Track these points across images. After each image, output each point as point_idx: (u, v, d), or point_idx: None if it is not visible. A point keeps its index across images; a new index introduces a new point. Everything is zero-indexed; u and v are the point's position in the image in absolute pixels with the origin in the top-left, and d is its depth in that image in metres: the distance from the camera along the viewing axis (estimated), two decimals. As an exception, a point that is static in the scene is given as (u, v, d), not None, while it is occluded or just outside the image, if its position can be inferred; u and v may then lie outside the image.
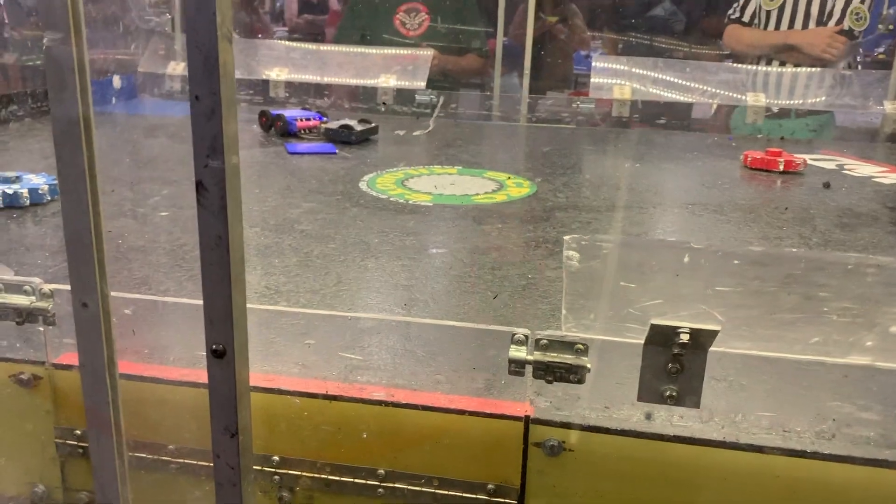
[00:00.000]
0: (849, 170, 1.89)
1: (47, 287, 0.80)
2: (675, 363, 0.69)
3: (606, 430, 0.74)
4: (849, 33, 2.43)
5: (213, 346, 0.57)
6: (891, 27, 2.66)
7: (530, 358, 0.73)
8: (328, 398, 0.77)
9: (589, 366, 0.72)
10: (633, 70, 2.44)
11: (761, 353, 0.72)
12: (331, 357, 0.82)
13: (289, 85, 2.53)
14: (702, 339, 0.67)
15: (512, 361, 0.73)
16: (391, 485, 0.78)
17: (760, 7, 2.53)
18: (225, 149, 0.51)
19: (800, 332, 0.82)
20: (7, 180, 1.38)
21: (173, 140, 2.01)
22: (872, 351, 0.78)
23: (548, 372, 0.73)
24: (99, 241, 0.62)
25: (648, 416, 0.75)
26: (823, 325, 0.83)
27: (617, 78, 2.42)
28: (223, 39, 0.48)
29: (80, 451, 0.84)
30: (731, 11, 2.63)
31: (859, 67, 2.64)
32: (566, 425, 0.74)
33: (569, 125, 2.44)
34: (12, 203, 1.34)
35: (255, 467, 0.75)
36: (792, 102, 2.45)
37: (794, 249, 1.20)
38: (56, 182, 0.61)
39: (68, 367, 0.82)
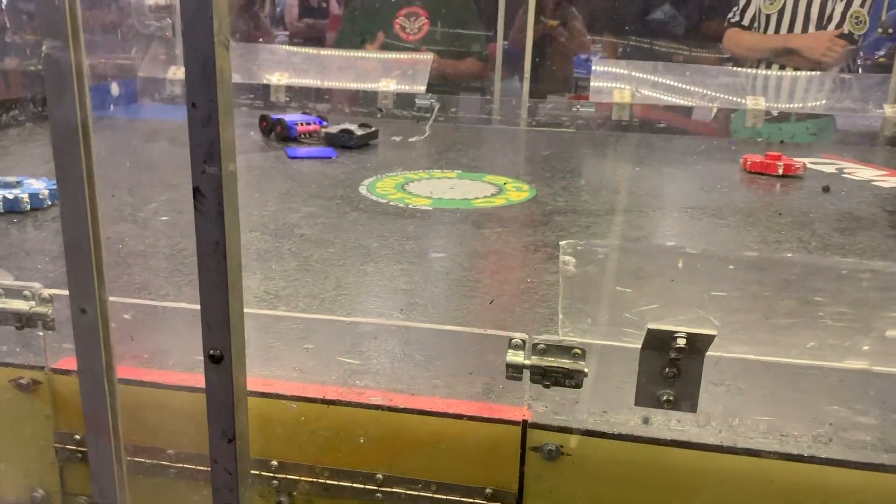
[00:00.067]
0: (848, 173, 1.89)
1: (47, 292, 0.81)
2: (671, 368, 0.69)
3: (604, 435, 0.74)
4: (848, 37, 2.43)
5: (211, 351, 0.57)
6: (890, 31, 2.66)
7: (528, 362, 0.73)
8: (326, 403, 0.78)
9: (586, 370, 0.72)
10: (633, 73, 2.44)
11: (758, 358, 0.72)
12: (329, 362, 0.83)
13: (289, 89, 2.53)
14: (698, 344, 0.67)
15: (509, 366, 0.73)
16: (389, 489, 0.78)
17: (760, 11, 2.53)
18: (222, 155, 0.52)
19: (796, 337, 0.82)
20: (8, 185, 1.39)
21: (173, 144, 2.02)
22: (869, 355, 0.78)
23: (545, 376, 0.73)
24: (97, 247, 0.62)
25: (646, 421, 0.75)
26: (819, 330, 0.83)
27: (617, 82, 2.42)
28: (220, 46, 0.49)
29: (80, 455, 0.84)
30: (730, 15, 2.63)
31: (860, 71, 2.64)
32: (564, 430, 0.75)
33: (569, 129, 2.45)
34: (13, 208, 1.34)
35: (253, 472, 0.75)
36: (792, 106, 2.45)
37: (790, 255, 1.20)
38: (56, 187, 0.61)
39: (67, 372, 0.82)
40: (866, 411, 0.71)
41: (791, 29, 2.49)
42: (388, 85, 2.45)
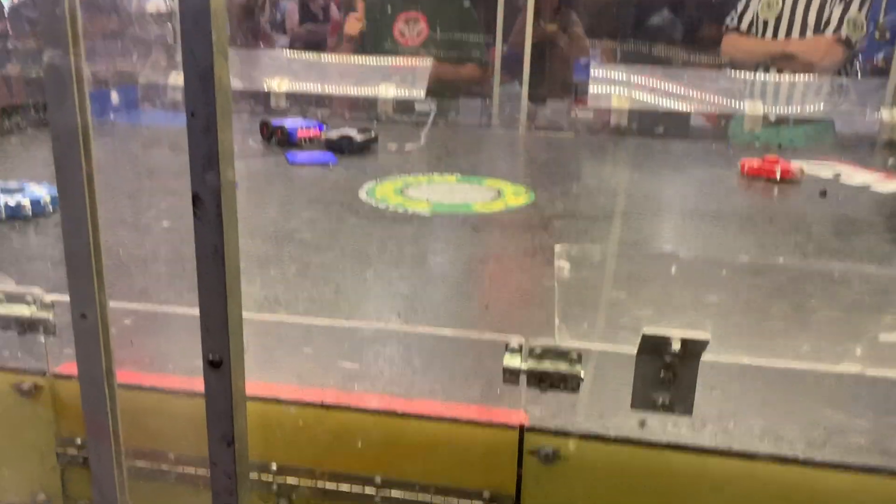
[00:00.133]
0: (846, 177, 1.90)
1: (48, 297, 0.81)
2: (667, 372, 0.70)
3: (601, 438, 0.75)
4: (846, 41, 2.44)
5: (210, 356, 0.57)
6: (887, 35, 2.67)
7: (525, 367, 0.74)
8: (325, 407, 0.78)
9: (582, 374, 0.73)
10: (632, 78, 2.45)
11: (753, 362, 0.72)
12: (328, 366, 0.83)
13: (290, 95, 2.54)
14: (693, 349, 0.68)
15: (506, 370, 0.74)
16: (388, 493, 0.79)
17: (758, 16, 2.54)
18: (221, 162, 0.52)
19: (790, 341, 0.83)
20: (9, 191, 1.39)
21: (174, 150, 2.03)
22: (862, 359, 0.79)
23: (542, 381, 0.74)
24: (97, 253, 0.63)
25: (642, 424, 0.76)
26: (813, 334, 0.83)
27: (615, 87, 2.43)
28: (219, 56, 0.49)
29: (81, 460, 0.85)
30: (728, 20, 2.64)
31: (858, 75, 2.65)
32: (561, 433, 0.75)
33: (568, 134, 2.45)
34: (14, 214, 1.35)
35: (252, 476, 0.76)
36: (790, 110, 2.46)
37: (781, 259, 1.21)
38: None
39: (69, 377, 0.83)
40: (860, 415, 0.72)
41: (789, 34, 2.50)
42: (388, 90, 2.45)
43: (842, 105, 2.41)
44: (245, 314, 0.60)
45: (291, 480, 0.80)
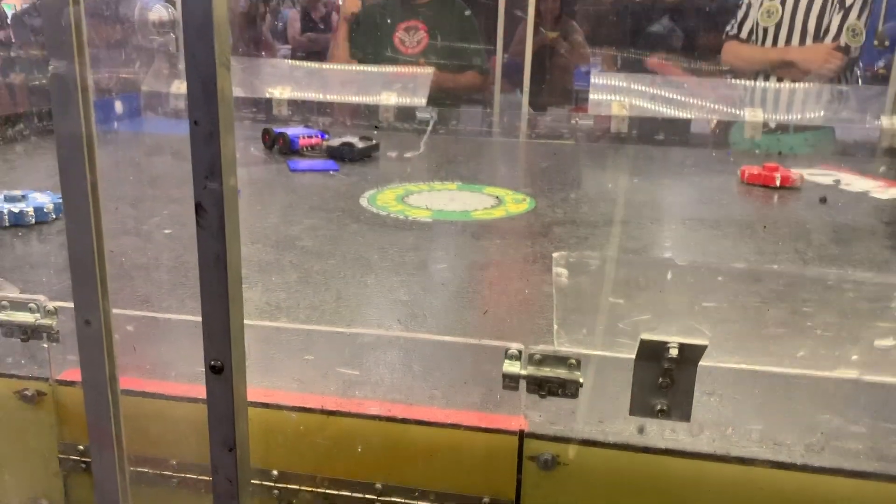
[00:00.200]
0: (846, 185, 1.90)
1: (52, 304, 0.82)
2: (665, 378, 0.70)
3: (599, 444, 0.75)
4: (845, 49, 2.45)
5: (212, 362, 0.58)
6: (886, 43, 2.68)
7: (524, 373, 0.74)
8: (326, 413, 0.79)
9: (581, 380, 0.73)
10: (632, 86, 2.46)
11: (750, 367, 0.73)
12: (329, 372, 0.84)
13: (291, 103, 2.56)
14: (690, 354, 0.68)
15: (506, 376, 0.75)
16: (388, 498, 0.79)
17: (758, 24, 2.55)
18: (223, 171, 0.53)
19: (787, 347, 0.83)
20: (13, 199, 1.40)
21: (176, 158, 2.04)
22: (858, 365, 0.79)
23: (541, 387, 0.74)
24: (101, 260, 0.63)
25: (641, 430, 0.76)
26: (810, 340, 0.84)
27: (615, 94, 2.44)
28: (221, 67, 0.50)
29: (83, 466, 0.85)
30: (728, 28, 2.65)
31: (859, 82, 2.65)
32: (560, 439, 0.76)
33: (568, 141, 2.46)
34: (18, 221, 1.36)
35: (254, 482, 0.76)
36: (790, 117, 2.47)
37: (776, 266, 1.21)
38: (61, 200, 0.62)
39: (72, 384, 0.83)
40: (857, 420, 0.72)
41: (788, 42, 2.51)
42: (389, 98, 2.47)
43: (842, 112, 2.42)
44: (246, 321, 0.61)
45: (292, 486, 0.80)
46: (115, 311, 0.65)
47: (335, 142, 2.05)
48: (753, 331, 0.90)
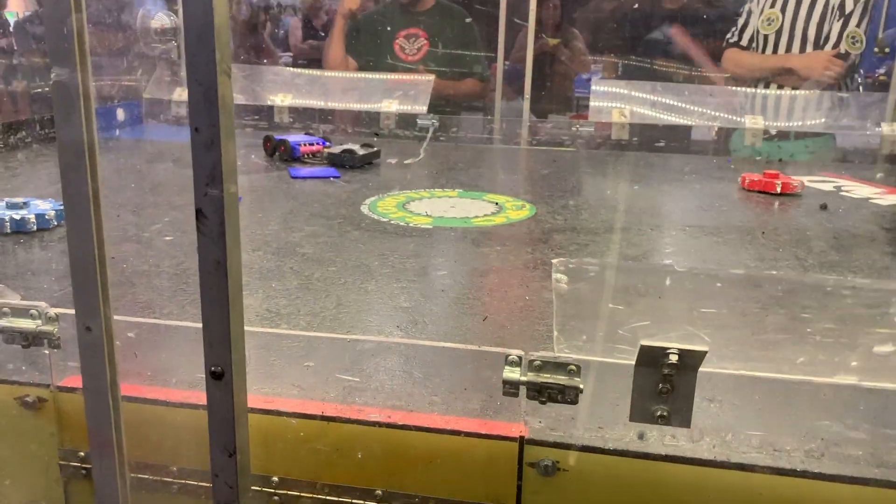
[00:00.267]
0: (846, 191, 1.91)
1: (53, 311, 0.82)
2: (665, 384, 0.70)
3: (600, 451, 0.75)
4: (845, 57, 2.46)
5: (212, 368, 0.58)
6: (886, 50, 2.69)
7: (524, 379, 0.74)
8: (326, 419, 0.79)
9: (581, 386, 0.73)
10: (632, 93, 2.47)
11: (750, 373, 0.73)
12: (329, 379, 0.84)
13: (293, 110, 2.56)
14: (690, 360, 0.68)
15: (506, 382, 0.75)
16: (388, 505, 0.79)
17: (758, 31, 2.56)
18: (224, 178, 0.53)
19: (786, 353, 0.83)
20: (15, 206, 1.41)
21: (178, 165, 2.04)
22: (858, 370, 0.79)
23: (541, 393, 0.74)
24: (102, 266, 0.64)
25: (641, 436, 0.76)
26: (809, 346, 0.84)
27: (616, 101, 2.44)
28: (222, 74, 0.51)
29: (84, 472, 0.85)
30: (729, 35, 2.66)
31: (860, 89, 2.66)
32: (560, 445, 0.76)
33: (569, 148, 2.47)
34: (20, 228, 1.37)
35: (254, 488, 0.76)
36: (791, 124, 2.48)
37: (774, 272, 1.21)
38: (62, 207, 0.63)
39: (72, 390, 0.84)
40: (857, 426, 0.72)
41: (789, 49, 2.52)
42: (390, 106, 2.47)
43: (842, 119, 2.42)
44: (247, 327, 0.61)
45: (293, 492, 0.81)
46: (115, 317, 0.66)
47: (336, 149, 2.06)
48: (753, 337, 0.90)
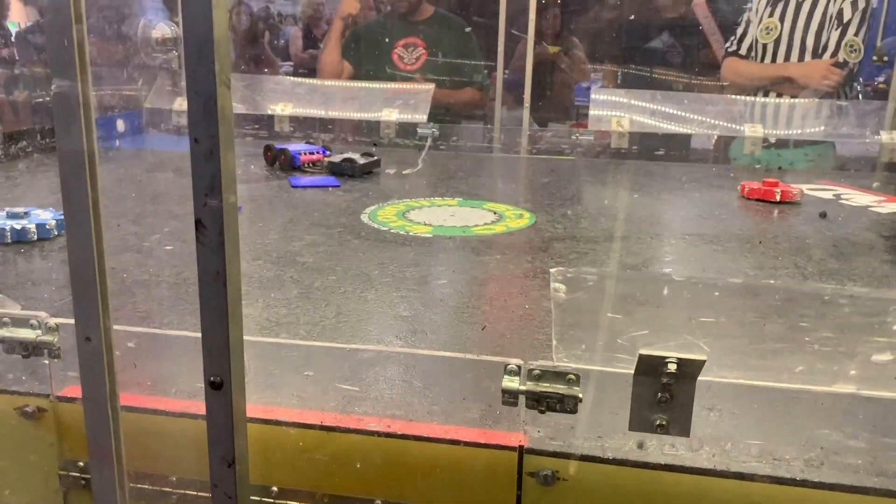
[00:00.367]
0: (846, 199, 1.91)
1: (53, 321, 0.82)
2: (664, 393, 0.70)
3: (599, 460, 0.75)
4: (843, 65, 2.47)
5: (211, 378, 0.58)
6: (885, 58, 2.70)
7: (523, 388, 0.74)
8: (326, 429, 0.79)
9: (580, 395, 0.73)
10: (632, 102, 2.48)
11: (749, 382, 0.73)
12: (329, 388, 0.84)
13: (293, 119, 2.57)
14: (689, 369, 0.69)
15: (505, 392, 0.75)
16: (388, 514, 0.79)
17: (757, 40, 2.57)
18: (223, 188, 0.54)
19: (785, 362, 0.83)
20: (16, 216, 1.41)
21: (178, 174, 2.05)
22: (857, 379, 0.79)
23: (540, 402, 0.74)
24: (102, 276, 0.64)
25: (640, 445, 0.76)
26: (808, 355, 0.84)
27: (616, 110, 2.45)
28: (221, 86, 0.51)
29: (83, 482, 0.85)
30: (728, 44, 2.67)
31: (859, 97, 2.67)
32: (560, 455, 0.76)
33: (569, 157, 2.47)
34: (20, 238, 1.37)
35: (253, 497, 0.76)
36: (790, 133, 2.48)
37: (773, 281, 1.21)
38: (63, 217, 0.63)
39: (72, 400, 0.84)
40: (857, 435, 0.72)
41: (787, 58, 2.53)
42: (391, 115, 2.48)
43: (841, 127, 2.43)
44: (246, 336, 0.61)
45: (292, 502, 0.80)
46: (115, 327, 0.66)
47: (336, 158, 2.07)
48: (752, 346, 0.90)
